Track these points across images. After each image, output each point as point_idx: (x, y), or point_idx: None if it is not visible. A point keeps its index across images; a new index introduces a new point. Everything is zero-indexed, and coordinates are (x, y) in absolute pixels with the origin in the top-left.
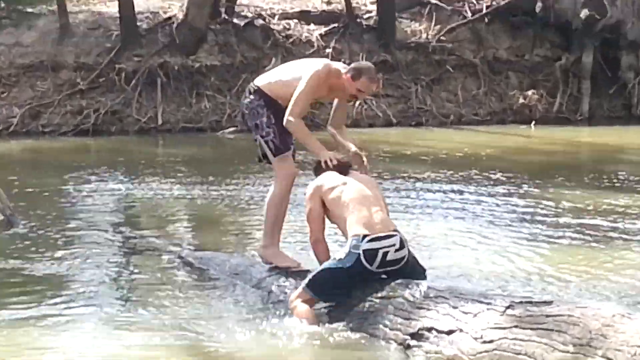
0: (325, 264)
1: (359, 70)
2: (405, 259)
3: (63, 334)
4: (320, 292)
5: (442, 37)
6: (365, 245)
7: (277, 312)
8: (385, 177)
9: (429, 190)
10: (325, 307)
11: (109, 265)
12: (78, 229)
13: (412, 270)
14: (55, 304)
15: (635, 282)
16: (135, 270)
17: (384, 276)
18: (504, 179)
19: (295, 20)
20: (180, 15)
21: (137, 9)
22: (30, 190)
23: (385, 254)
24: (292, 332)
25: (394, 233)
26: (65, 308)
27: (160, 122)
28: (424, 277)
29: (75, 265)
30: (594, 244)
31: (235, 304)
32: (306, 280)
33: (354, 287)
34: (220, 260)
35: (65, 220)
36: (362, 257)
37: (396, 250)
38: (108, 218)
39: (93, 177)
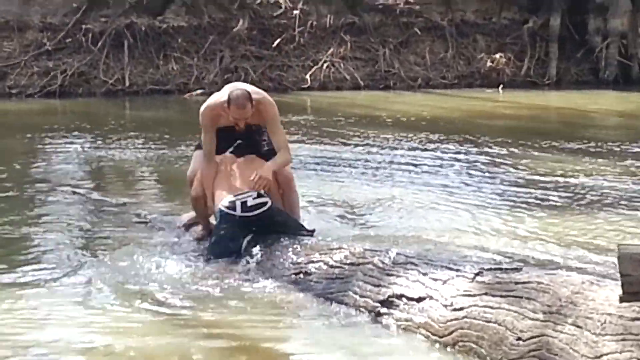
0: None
1: (229, 100)
2: (268, 205)
3: (29, 300)
4: (220, 255)
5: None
6: (224, 202)
7: (251, 277)
8: (354, 140)
9: (398, 154)
10: (293, 274)
11: (75, 228)
12: (45, 191)
13: (284, 222)
14: (22, 268)
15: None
16: (103, 234)
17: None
18: (473, 142)
19: None
20: None
21: None
22: None
23: (243, 202)
24: (264, 299)
25: (251, 191)
26: (33, 273)
27: (127, 84)
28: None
29: (42, 228)
30: (570, 206)
31: (207, 269)
32: (206, 259)
33: (241, 236)
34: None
35: (32, 182)
36: (224, 210)
37: (254, 198)
38: (75, 180)
39: (60, 139)
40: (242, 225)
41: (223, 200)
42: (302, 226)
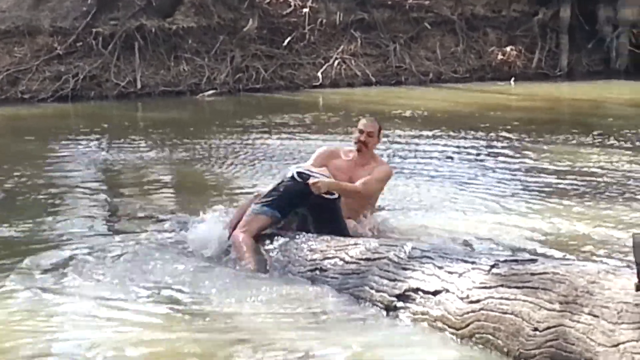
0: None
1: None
2: (335, 197)
3: (47, 305)
4: (275, 208)
5: None
6: (299, 169)
7: (267, 274)
8: None
9: (412, 148)
10: (309, 270)
11: (90, 231)
12: (59, 196)
13: (337, 221)
14: (38, 272)
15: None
16: (117, 235)
17: None
18: (487, 135)
19: None
20: None
21: None
22: (10, 157)
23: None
24: (280, 295)
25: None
26: (48, 272)
27: (139, 86)
28: None
29: (57, 232)
30: (586, 195)
31: (222, 266)
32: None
33: (294, 205)
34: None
35: (47, 186)
36: (294, 174)
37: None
38: (89, 183)
39: (73, 143)
40: (302, 195)
41: (300, 167)
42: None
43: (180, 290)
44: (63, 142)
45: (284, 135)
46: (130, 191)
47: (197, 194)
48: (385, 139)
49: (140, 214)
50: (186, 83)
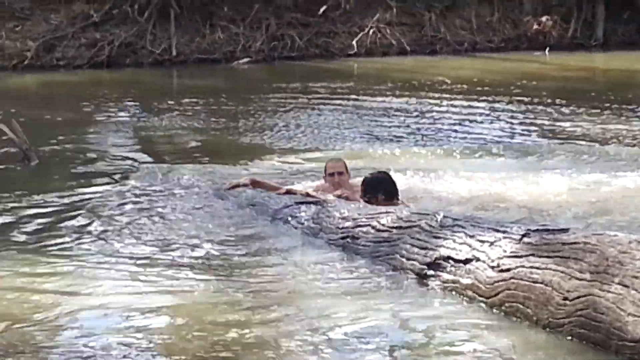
0: None
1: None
2: None
3: (79, 272)
4: None
5: None
6: None
7: (300, 242)
8: (402, 106)
9: (446, 118)
10: (340, 238)
11: (121, 197)
12: (94, 162)
13: None
14: (71, 239)
15: None
16: (153, 205)
17: None
18: (520, 104)
19: None
20: None
21: None
22: (46, 123)
23: None
24: (311, 263)
25: None
26: (79, 243)
27: (174, 53)
28: None
29: (88, 199)
30: (615, 165)
31: (252, 236)
32: None
33: None
34: (236, 192)
35: (81, 153)
36: None
37: None
38: (123, 151)
39: (108, 110)
40: None
41: None
42: None
43: (205, 250)
44: (97, 108)
45: (317, 103)
46: (165, 158)
47: (232, 160)
48: (420, 107)
49: (167, 181)
50: (221, 51)
